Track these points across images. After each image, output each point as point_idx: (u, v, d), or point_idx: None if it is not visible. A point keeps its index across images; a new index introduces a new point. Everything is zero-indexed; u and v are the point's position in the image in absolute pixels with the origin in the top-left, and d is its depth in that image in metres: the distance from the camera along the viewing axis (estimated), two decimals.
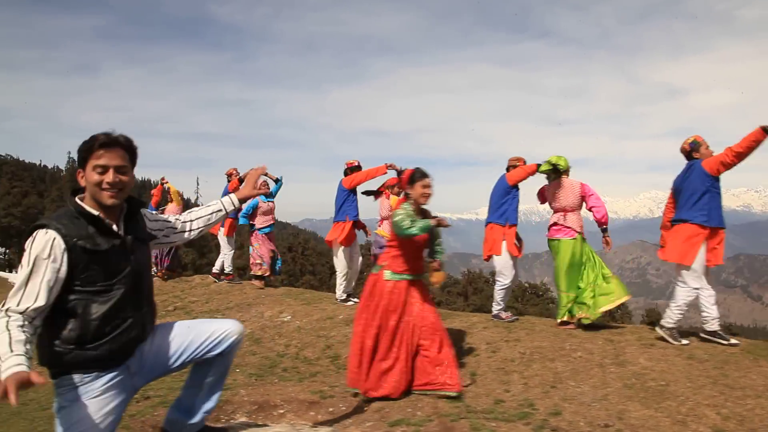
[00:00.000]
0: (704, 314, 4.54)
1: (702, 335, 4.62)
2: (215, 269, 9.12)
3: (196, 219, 2.42)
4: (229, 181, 8.74)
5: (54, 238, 1.86)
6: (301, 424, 3.64)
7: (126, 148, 2.03)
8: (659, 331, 4.66)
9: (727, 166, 4.44)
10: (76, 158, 2.03)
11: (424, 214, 3.83)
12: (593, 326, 5.24)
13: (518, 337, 4.90)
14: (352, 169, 6.82)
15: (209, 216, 2.45)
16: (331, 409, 3.87)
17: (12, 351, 1.63)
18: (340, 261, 6.76)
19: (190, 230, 2.41)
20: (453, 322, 5.74)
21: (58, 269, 1.84)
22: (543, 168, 5.35)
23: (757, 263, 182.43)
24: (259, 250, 7.96)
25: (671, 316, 4.58)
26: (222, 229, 8.80)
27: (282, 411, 3.87)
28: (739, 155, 4.33)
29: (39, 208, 38.14)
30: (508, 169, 5.79)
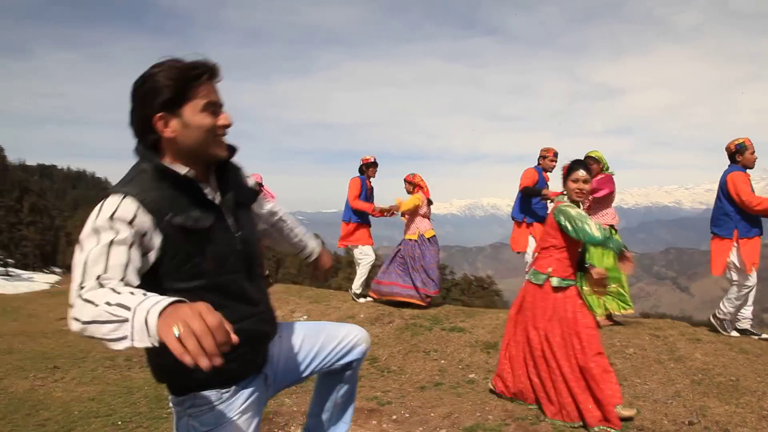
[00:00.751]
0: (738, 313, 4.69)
1: (734, 333, 4.70)
2: None
3: (290, 226, 1.97)
4: None
5: (138, 208, 1.28)
6: None
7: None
8: (713, 321, 4.81)
9: (742, 206, 4.50)
10: (140, 97, 1.35)
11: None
12: (630, 321, 5.20)
13: None
14: (368, 166, 6.43)
15: (296, 233, 1.99)
16: (394, 417, 3.58)
17: (141, 295, 1.07)
18: (365, 255, 6.39)
19: (273, 231, 1.95)
20: (483, 319, 5.56)
21: (148, 251, 1.29)
22: None
23: (685, 256, 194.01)
24: None
25: (743, 314, 4.68)
26: None
27: None
28: (752, 210, 4.46)
29: None
30: (539, 160, 5.70)
